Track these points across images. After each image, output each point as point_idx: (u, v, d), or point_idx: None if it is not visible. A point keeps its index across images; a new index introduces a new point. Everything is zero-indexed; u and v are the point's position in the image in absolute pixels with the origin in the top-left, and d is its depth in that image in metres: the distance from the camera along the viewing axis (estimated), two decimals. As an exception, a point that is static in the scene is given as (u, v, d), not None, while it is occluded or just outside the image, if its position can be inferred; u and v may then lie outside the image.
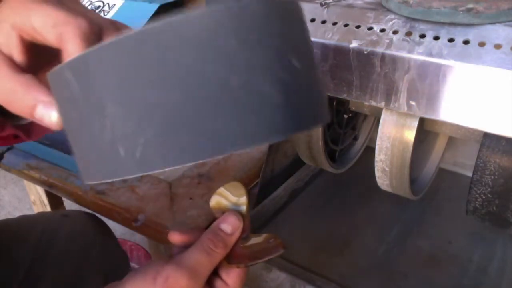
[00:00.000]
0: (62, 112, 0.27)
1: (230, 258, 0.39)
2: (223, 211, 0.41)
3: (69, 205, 1.05)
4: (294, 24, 0.25)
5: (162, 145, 0.22)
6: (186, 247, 0.40)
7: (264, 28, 0.22)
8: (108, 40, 0.23)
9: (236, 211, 0.40)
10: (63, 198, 1.10)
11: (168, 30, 0.22)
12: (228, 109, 0.21)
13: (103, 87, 0.22)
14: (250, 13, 0.22)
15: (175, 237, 0.42)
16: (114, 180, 0.24)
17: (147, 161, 0.22)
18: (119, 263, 0.80)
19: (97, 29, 0.31)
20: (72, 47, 0.29)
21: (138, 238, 1.44)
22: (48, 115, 0.29)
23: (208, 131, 0.21)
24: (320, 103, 0.26)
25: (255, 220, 0.68)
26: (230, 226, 0.40)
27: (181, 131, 0.22)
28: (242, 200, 0.41)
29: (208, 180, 0.74)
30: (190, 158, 0.22)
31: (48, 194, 1.13)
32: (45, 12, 0.29)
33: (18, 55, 0.31)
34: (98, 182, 0.25)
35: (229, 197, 0.41)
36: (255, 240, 0.40)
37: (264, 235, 0.41)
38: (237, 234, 0.40)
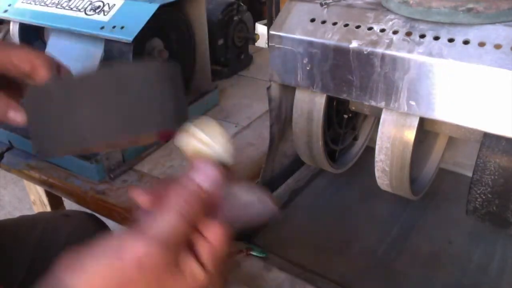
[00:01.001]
0: (34, 109, 0.39)
1: (211, 215, 0.34)
2: (197, 155, 0.34)
3: (69, 205, 1.05)
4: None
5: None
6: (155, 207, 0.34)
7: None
8: (63, 73, 0.48)
9: (213, 157, 0.33)
10: (63, 198, 1.10)
11: (84, 80, 0.37)
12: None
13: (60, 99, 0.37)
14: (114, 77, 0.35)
15: (140, 197, 0.36)
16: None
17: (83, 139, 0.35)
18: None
19: (55, 62, 0.48)
20: (42, 72, 0.46)
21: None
22: (18, 115, 0.44)
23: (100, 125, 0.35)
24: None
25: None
26: (208, 178, 0.33)
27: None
28: (222, 144, 0.33)
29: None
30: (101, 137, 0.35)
31: (48, 194, 1.13)
32: (22, 51, 0.46)
33: None
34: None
35: (205, 140, 0.33)
36: (241, 195, 0.34)
37: (251, 190, 0.34)
38: (217, 188, 0.33)
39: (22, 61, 0.45)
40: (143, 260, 0.31)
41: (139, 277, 0.31)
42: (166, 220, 0.32)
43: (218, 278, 0.35)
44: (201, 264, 0.34)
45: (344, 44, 0.54)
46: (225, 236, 0.34)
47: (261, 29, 2.58)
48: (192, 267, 0.33)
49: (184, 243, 0.33)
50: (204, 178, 0.33)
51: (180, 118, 0.38)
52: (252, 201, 0.33)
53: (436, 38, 0.50)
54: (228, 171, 0.33)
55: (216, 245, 0.34)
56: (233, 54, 1.19)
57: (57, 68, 0.49)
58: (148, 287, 0.32)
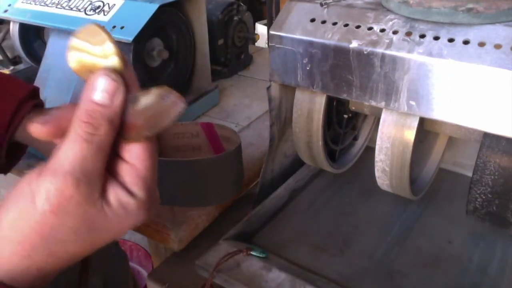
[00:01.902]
0: None
1: (124, 133, 0.30)
2: (91, 70, 0.30)
3: (69, 205, 1.04)
4: None
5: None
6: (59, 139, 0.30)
7: None
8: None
9: (107, 68, 0.29)
10: (63, 198, 1.10)
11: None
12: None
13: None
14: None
15: (38, 130, 0.30)
16: None
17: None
18: (118, 263, 0.80)
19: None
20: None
21: (138, 238, 1.44)
22: None
23: None
24: None
25: (255, 221, 0.68)
26: (105, 93, 0.29)
27: None
28: (109, 49, 0.29)
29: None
30: None
31: (48, 194, 1.13)
32: None
33: None
34: None
35: (90, 49, 0.29)
36: (146, 99, 0.30)
37: (154, 91, 0.30)
38: (119, 101, 0.29)
39: None
40: (61, 202, 0.28)
41: (59, 221, 0.29)
42: (73, 152, 0.28)
43: (152, 203, 0.32)
44: (128, 191, 0.30)
45: (344, 44, 0.54)
46: (149, 155, 0.31)
47: (261, 29, 2.58)
48: (119, 196, 0.30)
49: (102, 172, 0.30)
50: (101, 92, 0.29)
51: (237, 188, 0.63)
52: (158, 103, 0.30)
53: (436, 38, 0.50)
54: (124, 77, 0.30)
55: (140, 167, 0.31)
56: (233, 54, 1.19)
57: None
58: (75, 229, 0.29)
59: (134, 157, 0.31)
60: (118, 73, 0.29)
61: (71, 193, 0.28)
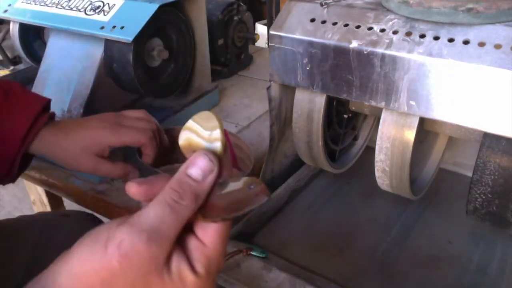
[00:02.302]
0: None
1: (204, 211, 0.32)
2: (195, 150, 0.33)
3: (69, 205, 1.05)
4: None
5: None
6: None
7: None
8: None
9: (208, 150, 0.32)
10: (63, 198, 1.10)
11: None
12: None
13: None
14: None
15: (133, 190, 0.33)
16: None
17: None
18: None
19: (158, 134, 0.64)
20: (148, 151, 0.61)
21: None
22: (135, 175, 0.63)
23: None
24: None
25: (255, 221, 0.68)
26: (200, 170, 0.31)
27: None
28: (216, 135, 0.32)
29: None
30: None
31: (48, 194, 1.13)
32: (131, 133, 0.61)
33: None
34: None
35: (200, 132, 0.33)
36: (233, 186, 0.32)
37: (244, 179, 0.32)
38: (210, 180, 0.32)
39: (132, 141, 0.60)
40: (129, 253, 0.29)
41: (122, 272, 0.30)
42: (155, 212, 0.30)
43: (210, 285, 0.33)
44: (192, 267, 0.31)
45: (344, 44, 0.54)
46: (221, 238, 0.32)
47: (261, 29, 2.58)
48: (181, 267, 0.31)
49: (175, 241, 0.31)
50: (196, 168, 0.31)
51: None
52: (243, 191, 0.32)
53: (436, 38, 0.50)
54: (222, 161, 0.32)
55: (210, 248, 0.32)
56: (233, 54, 1.19)
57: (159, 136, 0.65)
58: (133, 286, 0.30)
59: (206, 236, 0.32)
60: (217, 157, 0.32)
61: (141, 248, 0.29)
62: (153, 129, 0.63)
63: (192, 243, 0.32)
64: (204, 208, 0.32)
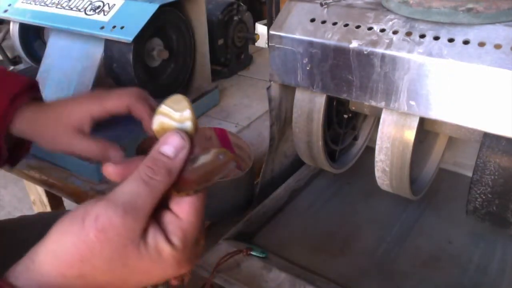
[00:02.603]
0: None
1: (178, 186, 0.33)
2: (165, 130, 0.35)
3: (69, 205, 1.05)
4: None
5: None
6: None
7: None
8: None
9: (180, 129, 0.34)
10: (63, 198, 1.10)
11: None
12: None
13: None
14: None
15: (110, 170, 0.35)
16: None
17: None
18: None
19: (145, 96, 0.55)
20: (139, 110, 0.53)
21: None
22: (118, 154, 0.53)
23: None
24: None
25: (255, 221, 0.68)
26: (172, 147, 0.33)
27: None
28: (186, 115, 0.34)
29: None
30: None
31: (48, 194, 1.13)
32: (114, 97, 0.53)
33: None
34: None
35: (171, 114, 0.35)
36: (204, 158, 0.34)
37: (213, 151, 0.35)
38: (182, 157, 0.33)
39: (116, 106, 0.53)
40: (106, 227, 0.30)
41: (99, 246, 0.30)
42: (130, 188, 0.32)
43: (188, 259, 0.34)
44: (167, 239, 0.32)
45: (344, 44, 0.54)
46: (195, 211, 0.33)
47: (261, 29, 2.58)
48: (157, 239, 0.32)
49: (150, 215, 0.32)
50: (168, 146, 0.33)
51: (249, 203, 0.68)
52: (213, 162, 0.34)
53: (436, 38, 0.50)
54: (193, 139, 0.34)
55: (185, 221, 0.33)
56: (233, 54, 1.19)
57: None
58: (110, 260, 0.31)
59: (181, 210, 0.33)
60: (188, 135, 0.34)
61: (117, 222, 0.30)
62: (140, 90, 0.56)
63: (167, 217, 0.33)
64: (178, 184, 0.33)
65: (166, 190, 0.33)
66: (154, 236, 0.32)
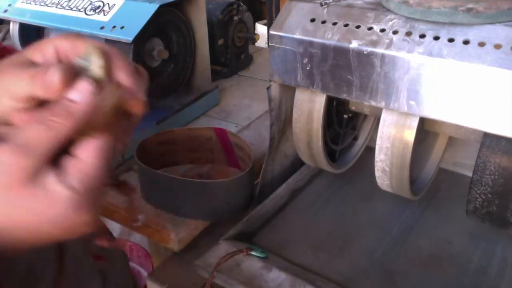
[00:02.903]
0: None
1: (83, 130, 0.33)
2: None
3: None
4: None
5: None
6: None
7: None
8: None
9: (89, 76, 0.33)
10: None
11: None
12: None
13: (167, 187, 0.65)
14: None
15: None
16: None
17: None
18: (118, 263, 0.80)
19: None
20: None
21: (138, 238, 1.44)
22: None
23: None
24: None
25: (255, 221, 0.68)
26: (77, 93, 0.32)
27: None
28: (95, 61, 0.34)
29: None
30: None
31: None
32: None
33: None
34: None
35: (82, 64, 0.34)
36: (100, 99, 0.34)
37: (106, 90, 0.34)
38: (86, 101, 0.32)
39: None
40: None
41: None
42: (29, 128, 0.31)
43: (90, 204, 0.32)
44: (65, 181, 0.31)
45: (344, 44, 0.54)
46: (97, 152, 0.32)
47: (261, 29, 2.58)
48: (51, 180, 0.31)
49: (48, 158, 0.31)
50: (74, 91, 0.32)
51: (249, 203, 0.69)
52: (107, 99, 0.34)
53: (436, 38, 0.50)
54: (102, 85, 0.33)
55: (86, 162, 0.32)
56: (233, 54, 1.19)
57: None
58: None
59: (83, 152, 0.32)
60: (96, 81, 0.33)
61: (11, 160, 0.30)
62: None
63: (69, 161, 0.32)
64: (83, 128, 0.32)
65: (71, 136, 0.32)
66: (45, 177, 0.31)
